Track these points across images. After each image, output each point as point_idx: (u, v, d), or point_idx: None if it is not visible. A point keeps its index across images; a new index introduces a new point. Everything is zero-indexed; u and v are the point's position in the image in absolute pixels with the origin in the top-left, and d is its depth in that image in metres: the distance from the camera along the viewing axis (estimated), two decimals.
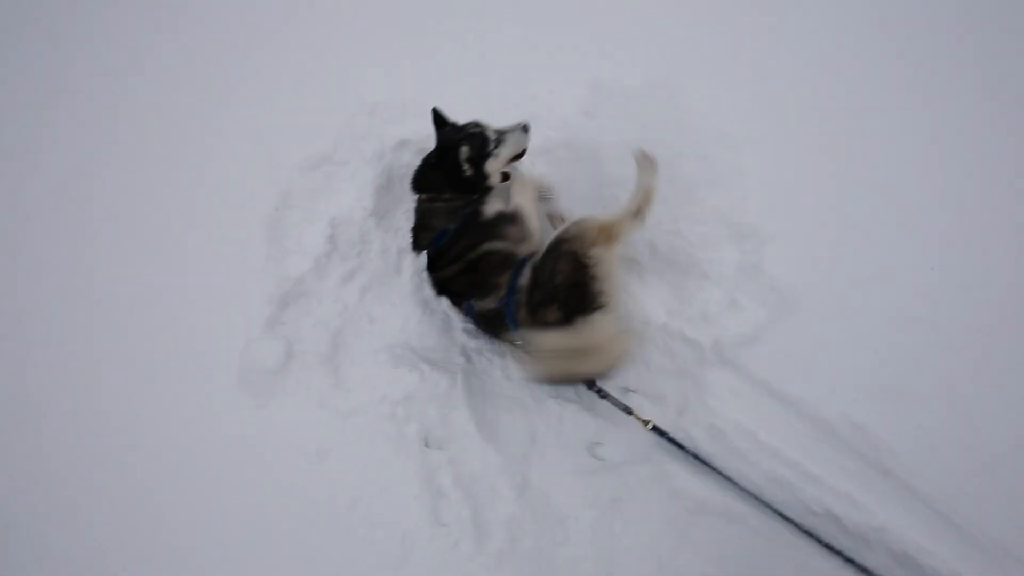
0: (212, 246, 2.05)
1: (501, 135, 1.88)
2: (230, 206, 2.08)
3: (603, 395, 1.72)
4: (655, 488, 1.68)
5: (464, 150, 1.85)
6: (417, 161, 2.06)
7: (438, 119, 1.95)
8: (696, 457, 1.63)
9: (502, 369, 1.87)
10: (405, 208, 2.13)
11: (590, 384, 1.72)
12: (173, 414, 1.81)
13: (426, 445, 1.76)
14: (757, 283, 1.77)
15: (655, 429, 1.67)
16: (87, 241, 2.09)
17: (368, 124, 2.16)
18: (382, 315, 1.97)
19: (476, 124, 1.90)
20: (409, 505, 1.66)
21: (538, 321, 1.67)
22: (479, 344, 1.94)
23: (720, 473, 1.60)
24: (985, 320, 1.72)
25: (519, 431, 1.82)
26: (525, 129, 1.88)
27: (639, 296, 1.92)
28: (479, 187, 1.90)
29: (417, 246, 1.98)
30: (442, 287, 1.92)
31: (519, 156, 1.94)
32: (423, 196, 1.97)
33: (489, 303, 1.79)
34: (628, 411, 1.69)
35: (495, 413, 1.84)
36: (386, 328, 1.95)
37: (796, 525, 1.53)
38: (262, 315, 1.92)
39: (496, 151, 1.87)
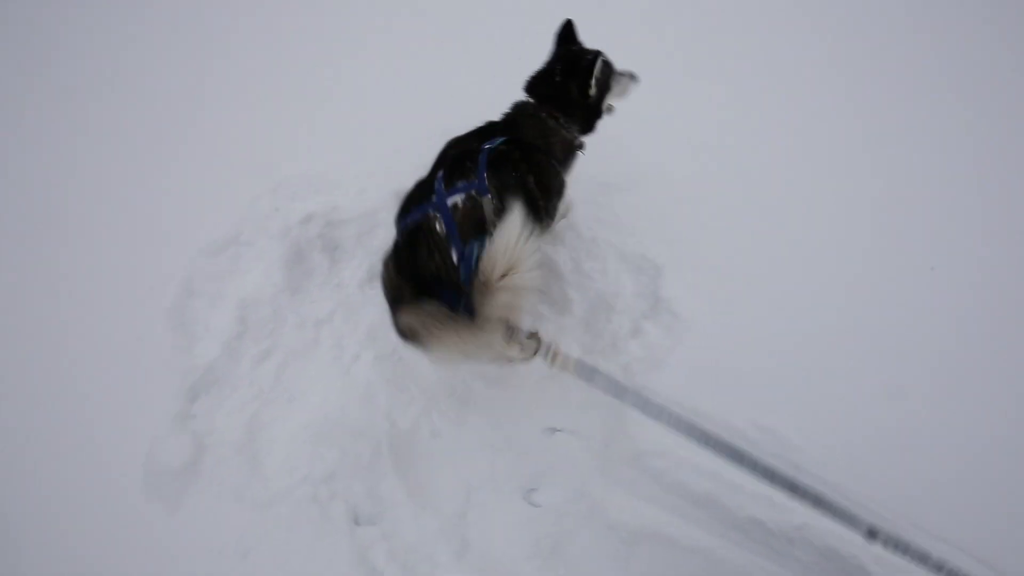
0: (110, 345, 1.95)
1: (619, 73, 1.83)
2: (128, 300, 2.01)
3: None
4: (592, 524, 1.68)
5: (601, 65, 1.72)
6: (328, 232, 2.10)
7: (568, 33, 1.82)
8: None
9: (429, 429, 1.85)
10: (319, 280, 2.14)
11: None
12: (74, 534, 1.65)
13: (356, 523, 1.68)
14: (656, 309, 1.89)
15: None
16: None
17: (272, 202, 2.19)
18: (301, 391, 1.92)
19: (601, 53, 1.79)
20: None
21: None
22: (404, 402, 1.91)
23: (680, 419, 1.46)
24: (865, 318, 1.90)
25: (453, 489, 1.78)
26: (633, 77, 1.86)
27: (558, 337, 1.99)
28: (588, 122, 1.81)
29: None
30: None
31: (610, 109, 1.90)
32: (531, 102, 1.78)
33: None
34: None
35: (426, 475, 1.80)
36: (305, 405, 1.89)
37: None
38: (169, 411, 1.82)
39: (615, 86, 1.82)
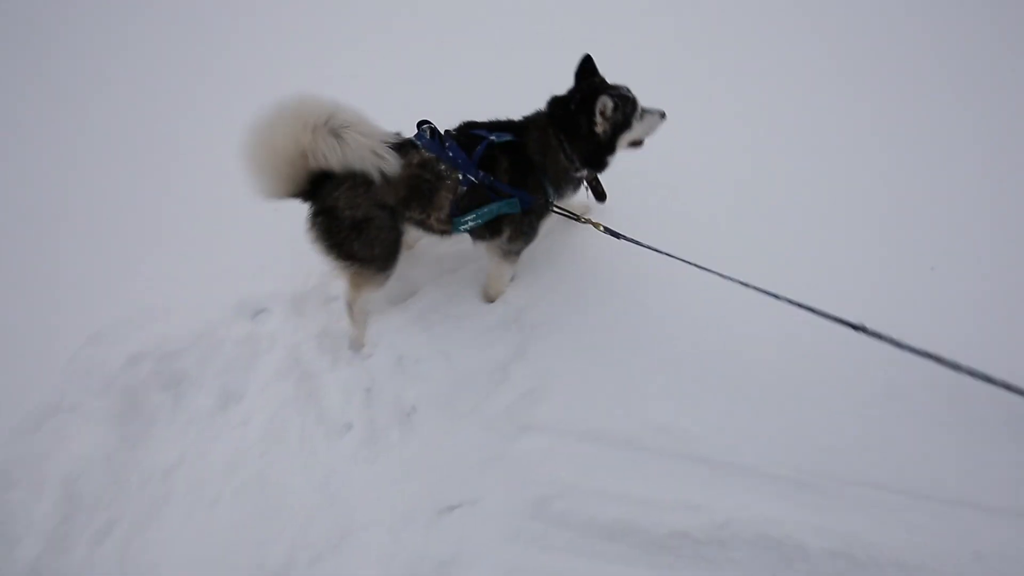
0: None
1: (644, 111, 1.78)
2: None
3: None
4: None
5: (606, 103, 1.65)
6: (165, 367, 1.89)
7: (587, 68, 1.79)
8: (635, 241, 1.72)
9: (307, 556, 1.58)
10: (163, 423, 1.87)
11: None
12: None
13: None
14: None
15: (607, 230, 1.74)
16: None
17: (94, 354, 1.95)
18: (151, 562, 1.60)
19: (627, 89, 1.77)
20: None
21: None
22: (274, 534, 1.64)
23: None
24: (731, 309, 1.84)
25: None
26: (663, 116, 1.82)
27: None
28: (594, 157, 1.76)
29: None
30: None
31: (637, 144, 1.85)
32: (547, 116, 1.77)
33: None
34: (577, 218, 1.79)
35: None
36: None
37: None
38: None
39: (634, 123, 1.76)
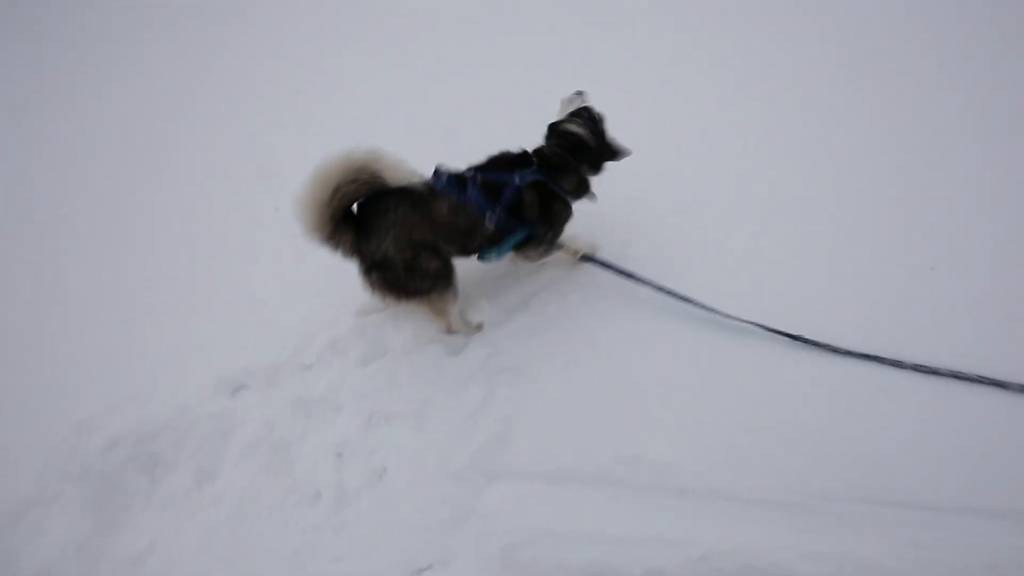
0: None
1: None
2: None
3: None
4: None
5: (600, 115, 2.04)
6: (141, 450, 1.91)
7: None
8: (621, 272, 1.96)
9: None
10: (138, 507, 1.86)
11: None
12: None
13: None
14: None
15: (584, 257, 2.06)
16: None
17: (76, 443, 1.98)
18: None
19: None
20: None
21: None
22: None
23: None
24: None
25: None
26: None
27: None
28: (599, 165, 2.03)
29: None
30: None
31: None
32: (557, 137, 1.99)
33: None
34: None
35: None
36: None
37: None
38: None
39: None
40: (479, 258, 1.99)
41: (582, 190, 2.07)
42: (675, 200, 2.36)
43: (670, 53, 3.10)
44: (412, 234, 1.80)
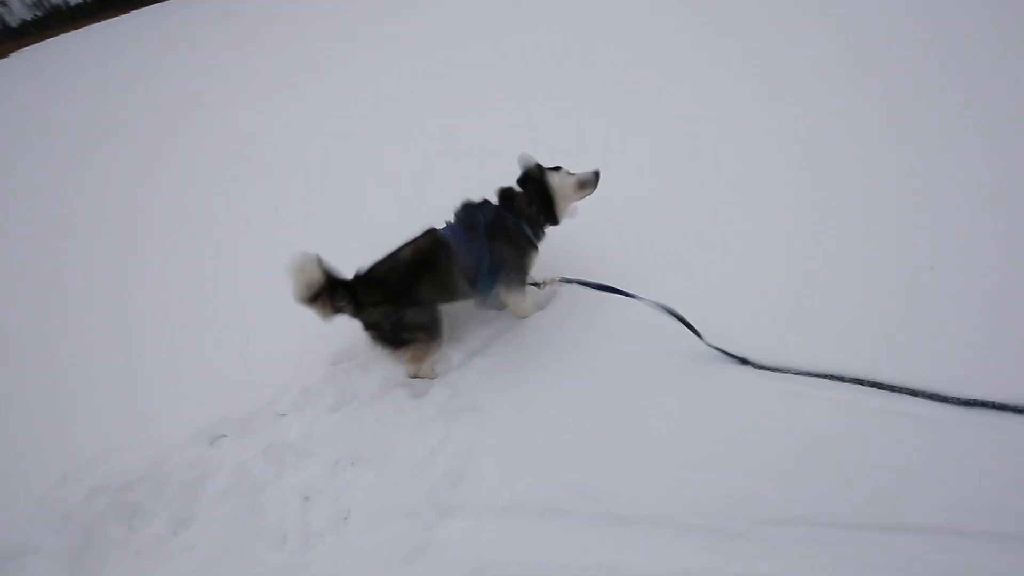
0: None
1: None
2: None
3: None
4: None
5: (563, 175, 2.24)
6: (121, 499, 2.01)
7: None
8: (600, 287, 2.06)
9: None
10: (113, 557, 1.92)
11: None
12: None
13: None
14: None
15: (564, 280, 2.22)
16: None
17: (60, 494, 2.07)
18: None
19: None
20: None
21: None
22: None
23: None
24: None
25: None
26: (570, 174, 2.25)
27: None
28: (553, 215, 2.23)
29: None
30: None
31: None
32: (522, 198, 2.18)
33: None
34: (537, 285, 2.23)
35: None
36: None
37: None
38: None
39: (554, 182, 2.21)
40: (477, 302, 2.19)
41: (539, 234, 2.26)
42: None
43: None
44: (398, 300, 2.03)
